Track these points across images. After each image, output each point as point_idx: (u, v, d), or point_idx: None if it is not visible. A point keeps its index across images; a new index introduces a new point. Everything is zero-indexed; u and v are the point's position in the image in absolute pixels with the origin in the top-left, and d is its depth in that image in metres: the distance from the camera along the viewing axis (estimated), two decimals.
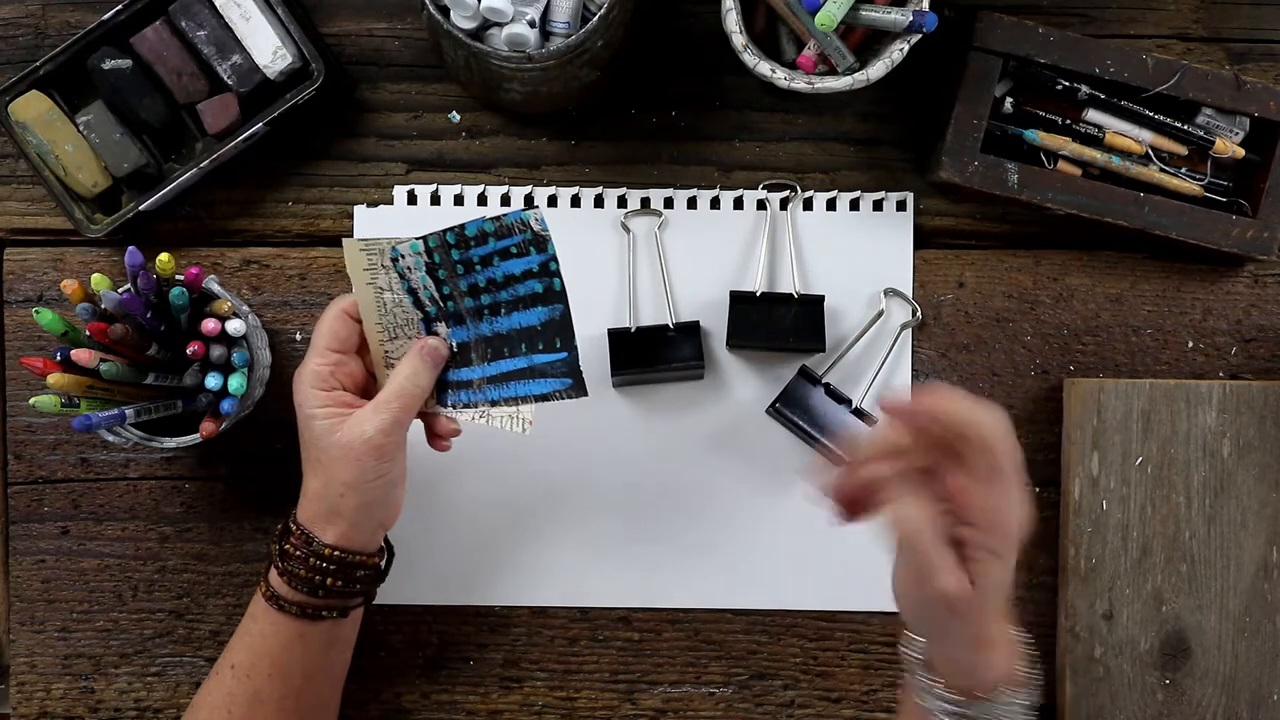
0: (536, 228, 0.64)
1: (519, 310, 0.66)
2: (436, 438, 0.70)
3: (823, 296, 0.78)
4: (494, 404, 0.68)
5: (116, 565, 0.81)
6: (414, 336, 0.68)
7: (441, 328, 0.68)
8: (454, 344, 0.68)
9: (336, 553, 0.66)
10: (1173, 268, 0.81)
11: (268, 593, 0.67)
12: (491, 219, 0.64)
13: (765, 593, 0.81)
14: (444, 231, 0.65)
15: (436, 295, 0.67)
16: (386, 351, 0.69)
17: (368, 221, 0.80)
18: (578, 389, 0.66)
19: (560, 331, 0.66)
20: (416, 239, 0.66)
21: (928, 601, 0.57)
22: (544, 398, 0.67)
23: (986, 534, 0.55)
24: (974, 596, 0.55)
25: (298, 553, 0.66)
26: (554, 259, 0.64)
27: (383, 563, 0.70)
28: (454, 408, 0.69)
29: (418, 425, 0.69)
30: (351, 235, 0.81)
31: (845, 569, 0.80)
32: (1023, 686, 0.59)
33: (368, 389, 0.69)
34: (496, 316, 0.67)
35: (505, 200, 0.81)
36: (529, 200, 0.81)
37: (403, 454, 0.67)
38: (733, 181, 0.81)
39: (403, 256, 0.66)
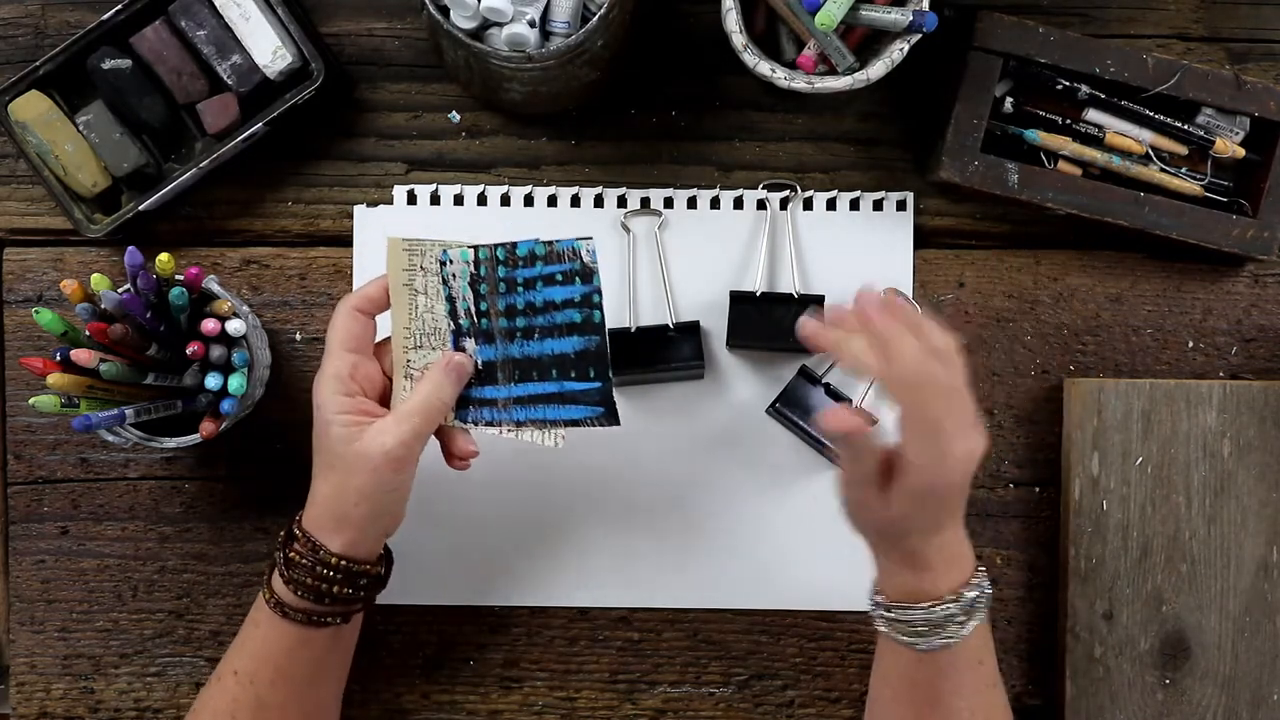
0: (586, 259, 0.64)
1: (553, 338, 0.66)
2: (454, 457, 0.69)
3: (823, 296, 0.78)
4: (520, 425, 0.67)
5: (116, 565, 0.81)
6: (438, 348, 0.68)
7: (469, 344, 0.67)
8: (479, 361, 0.67)
9: (342, 561, 0.66)
10: (1173, 268, 0.81)
11: (271, 599, 0.67)
12: (543, 242, 0.64)
13: (765, 593, 0.81)
14: (495, 246, 0.65)
15: (473, 309, 0.66)
16: (409, 360, 0.68)
17: (368, 222, 0.80)
18: (610, 418, 0.66)
19: (595, 362, 0.65)
20: (468, 247, 0.65)
21: (855, 506, 0.64)
22: (574, 423, 0.66)
23: (906, 471, 0.60)
24: (890, 520, 0.62)
25: (304, 560, 0.66)
26: (598, 291, 0.64)
27: (384, 570, 0.70)
28: (474, 424, 0.68)
29: (433, 444, 0.69)
30: (351, 236, 0.81)
31: (845, 569, 0.80)
32: (942, 598, 0.63)
33: (384, 394, 0.68)
34: (529, 340, 0.66)
35: (505, 200, 0.81)
36: (528, 199, 0.81)
37: (415, 466, 0.66)
38: (733, 181, 0.81)
39: (451, 261, 0.66)
